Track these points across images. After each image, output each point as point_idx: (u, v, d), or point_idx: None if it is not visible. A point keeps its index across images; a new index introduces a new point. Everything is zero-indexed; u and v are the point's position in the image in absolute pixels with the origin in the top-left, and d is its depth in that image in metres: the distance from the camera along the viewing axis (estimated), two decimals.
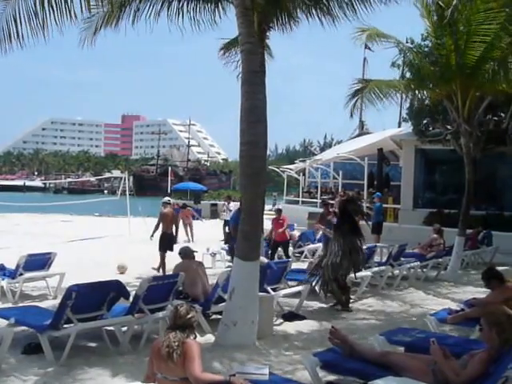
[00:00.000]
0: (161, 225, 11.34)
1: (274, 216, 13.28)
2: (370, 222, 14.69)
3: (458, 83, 11.48)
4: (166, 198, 12.18)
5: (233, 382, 3.92)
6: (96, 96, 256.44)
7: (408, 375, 4.38)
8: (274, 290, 7.84)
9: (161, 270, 11.03)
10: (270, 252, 12.22)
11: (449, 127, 13.93)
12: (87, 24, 7.81)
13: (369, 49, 12.75)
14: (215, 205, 28.19)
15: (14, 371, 5.41)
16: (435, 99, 13.26)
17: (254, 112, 6.66)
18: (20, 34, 6.42)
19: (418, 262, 11.35)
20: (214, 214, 27.32)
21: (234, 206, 20.84)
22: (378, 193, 18.25)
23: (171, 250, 10.98)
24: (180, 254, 7.77)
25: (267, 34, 7.34)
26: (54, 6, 6.15)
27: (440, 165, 19.61)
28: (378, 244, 13.56)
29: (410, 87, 12.51)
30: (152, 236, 11.45)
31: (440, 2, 10.53)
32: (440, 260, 12.07)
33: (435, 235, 12.45)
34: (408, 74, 12.18)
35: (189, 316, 4.12)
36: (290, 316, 7.73)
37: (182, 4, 7.90)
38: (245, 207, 6.71)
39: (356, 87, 12.31)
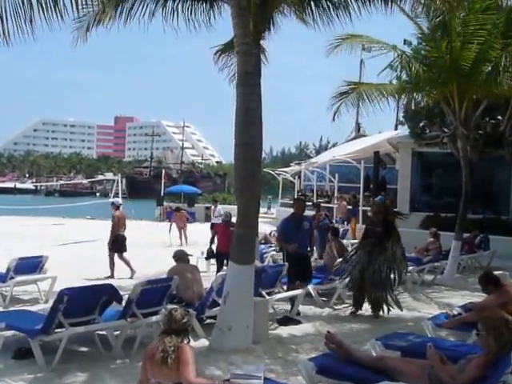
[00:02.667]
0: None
1: (221, 223, 11.56)
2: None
3: (455, 86, 11.45)
4: (116, 200, 12.17)
5: None
6: (88, 97, 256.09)
7: (404, 380, 4.33)
8: (268, 294, 7.76)
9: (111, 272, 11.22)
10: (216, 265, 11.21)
11: (446, 130, 13.91)
12: (79, 23, 7.72)
13: (368, 50, 12.57)
14: (209, 208, 28.00)
15: (4, 376, 5.34)
16: (432, 102, 13.23)
17: (248, 114, 6.61)
18: (6, 30, 6.30)
19: (415, 266, 11.29)
20: (209, 218, 27.14)
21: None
22: (380, 196, 18.18)
23: (125, 251, 11.35)
24: (174, 257, 7.68)
25: (263, 34, 7.31)
26: (43, 3, 6.08)
27: (437, 168, 19.61)
28: None
29: (404, 90, 12.47)
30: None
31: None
32: (437, 264, 12.00)
33: (432, 239, 12.40)
34: (404, 76, 12.13)
35: (184, 320, 4.08)
36: (285, 320, 7.65)
37: (177, 4, 7.83)
38: (240, 210, 6.65)
39: (342, 90, 12.09)
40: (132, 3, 7.59)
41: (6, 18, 6.14)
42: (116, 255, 11.39)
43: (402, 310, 8.27)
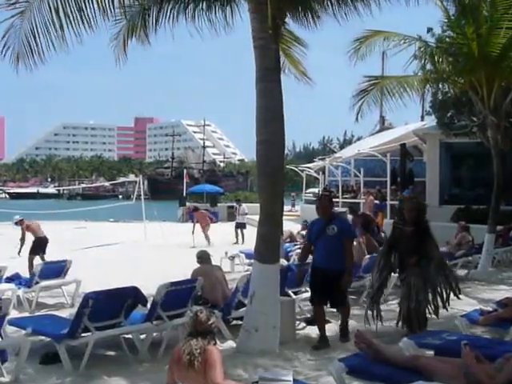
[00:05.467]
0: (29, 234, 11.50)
1: None
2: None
3: (483, 73, 11.12)
4: (15, 218, 12.17)
5: None
6: (108, 99, 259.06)
7: (439, 380, 4.14)
8: (295, 293, 7.63)
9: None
10: None
11: (475, 119, 13.53)
12: (116, 40, 7.89)
13: (391, 46, 12.27)
14: (232, 207, 27.99)
15: (32, 382, 5.36)
16: (459, 91, 12.90)
17: (269, 110, 6.50)
18: (40, 47, 6.63)
19: (447, 261, 10.99)
20: (231, 217, 27.10)
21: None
22: (407, 190, 17.85)
23: (44, 252, 11.25)
24: (198, 258, 7.59)
25: (282, 29, 7.15)
26: (70, 15, 6.37)
27: (467, 159, 19.07)
28: None
29: (428, 80, 12.15)
30: (20, 252, 11.53)
31: None
32: (470, 258, 11.70)
33: (464, 232, 12.09)
34: (428, 66, 11.80)
35: (209, 322, 4.00)
36: (313, 320, 7.47)
37: (197, 5, 7.77)
38: (263, 208, 6.53)
39: (362, 87, 11.79)
40: (157, 12, 7.62)
41: (38, 34, 6.53)
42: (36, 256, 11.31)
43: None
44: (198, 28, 7.72)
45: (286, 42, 8.41)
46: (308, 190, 36.91)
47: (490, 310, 6.39)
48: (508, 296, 7.02)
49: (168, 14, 7.60)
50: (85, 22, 6.45)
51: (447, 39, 11.91)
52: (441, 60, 11.42)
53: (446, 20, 11.54)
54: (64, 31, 6.46)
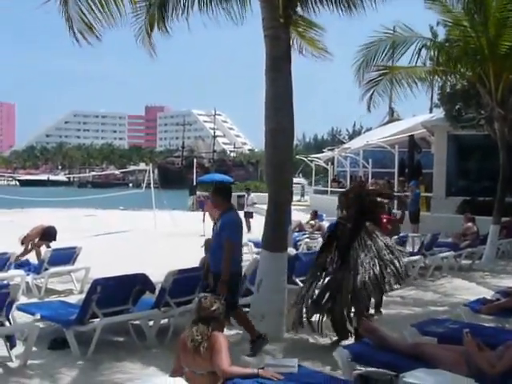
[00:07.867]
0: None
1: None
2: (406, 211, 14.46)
3: (491, 66, 11.07)
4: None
5: (262, 374, 3.83)
6: (119, 88, 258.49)
7: (442, 367, 4.19)
8: (302, 281, 7.66)
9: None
10: None
11: (482, 112, 13.50)
12: (138, 31, 8.00)
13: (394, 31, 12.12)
14: (242, 196, 28.00)
15: (41, 366, 5.42)
16: (467, 83, 12.85)
17: (278, 100, 6.52)
18: (93, 27, 6.92)
19: (452, 252, 11.04)
20: (241, 206, 27.09)
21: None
22: (413, 181, 17.82)
23: (55, 239, 10.80)
24: (206, 247, 7.65)
25: (293, 18, 7.14)
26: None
27: (473, 151, 18.98)
28: (410, 234, 13.17)
29: (437, 71, 12.11)
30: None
31: None
32: (474, 249, 11.75)
33: (470, 224, 12.10)
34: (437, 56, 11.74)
35: (213, 308, 4.03)
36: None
37: None
38: (271, 197, 6.58)
39: (373, 76, 11.72)
40: (173, 5, 7.71)
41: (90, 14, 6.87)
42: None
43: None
44: (212, 18, 7.77)
45: (301, 26, 8.43)
46: None
47: (493, 299, 6.46)
48: (511, 286, 7.08)
49: (183, 3, 7.63)
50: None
51: (457, 32, 11.82)
52: (450, 51, 11.37)
53: (450, 20, 11.47)
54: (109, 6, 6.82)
